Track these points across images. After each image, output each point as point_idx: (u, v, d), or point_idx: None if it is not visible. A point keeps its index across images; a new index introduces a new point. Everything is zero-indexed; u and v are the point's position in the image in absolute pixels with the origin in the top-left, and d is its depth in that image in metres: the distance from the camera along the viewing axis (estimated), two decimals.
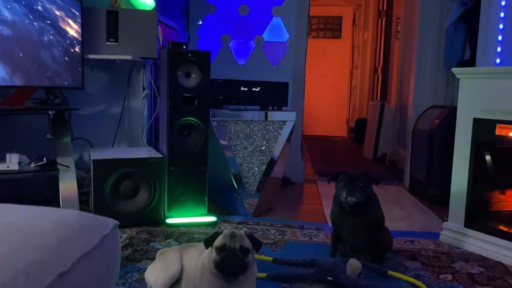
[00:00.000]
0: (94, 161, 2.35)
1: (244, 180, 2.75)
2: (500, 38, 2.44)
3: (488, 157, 2.32)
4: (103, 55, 2.62)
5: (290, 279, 1.80)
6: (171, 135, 2.48)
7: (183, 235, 2.33)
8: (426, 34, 3.78)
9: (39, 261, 0.71)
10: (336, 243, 2.06)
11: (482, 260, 2.13)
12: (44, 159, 2.32)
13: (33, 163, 2.27)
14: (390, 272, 1.88)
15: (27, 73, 2.33)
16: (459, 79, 2.37)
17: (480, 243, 2.24)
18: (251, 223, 2.61)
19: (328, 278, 1.76)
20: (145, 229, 2.39)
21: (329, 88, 8.27)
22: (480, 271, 2.00)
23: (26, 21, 2.31)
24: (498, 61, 2.44)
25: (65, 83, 2.42)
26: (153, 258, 1.78)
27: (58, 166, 2.26)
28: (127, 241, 2.20)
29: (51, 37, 2.36)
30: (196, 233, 2.37)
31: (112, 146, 2.96)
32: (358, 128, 7.05)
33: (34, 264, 0.70)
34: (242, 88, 2.80)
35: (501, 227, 2.24)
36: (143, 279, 1.69)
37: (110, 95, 2.97)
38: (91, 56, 2.59)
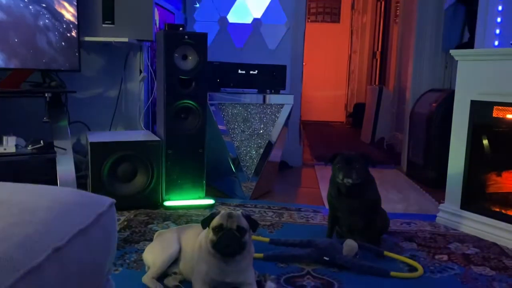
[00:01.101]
0: (92, 143, 2.34)
1: (242, 164, 2.76)
2: (499, 20, 2.42)
3: (485, 140, 2.32)
4: (100, 37, 2.60)
5: (286, 259, 1.82)
6: (168, 118, 2.47)
7: (181, 217, 2.34)
8: (425, 17, 3.75)
9: (34, 236, 0.72)
10: (332, 224, 2.08)
11: (477, 241, 2.15)
12: (41, 142, 2.31)
13: (30, 146, 2.27)
14: (386, 253, 1.90)
15: (23, 55, 2.31)
16: (457, 61, 2.36)
17: (475, 225, 2.25)
18: (249, 205, 2.62)
19: (325, 258, 1.77)
20: (143, 211, 2.40)
21: (328, 73, 8.23)
22: (475, 251, 2.02)
23: (21, 5, 2.28)
24: (496, 43, 2.43)
25: (61, 66, 2.41)
26: (151, 240, 1.79)
27: (56, 149, 2.26)
28: (125, 223, 2.21)
29: (46, 20, 2.34)
30: (194, 216, 2.38)
31: (110, 130, 2.95)
32: (356, 113, 7.04)
33: (29, 238, 0.70)
34: (239, 71, 2.79)
35: (497, 209, 2.25)
36: (142, 260, 1.70)
37: (107, 78, 2.96)
38: (87, 39, 2.57)
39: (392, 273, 1.71)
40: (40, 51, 2.34)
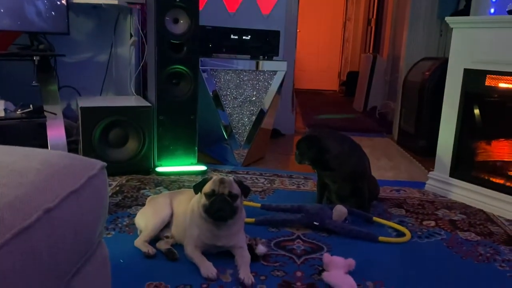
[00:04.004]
0: (82, 108, 2.32)
1: (234, 131, 2.75)
2: None
3: (476, 109, 2.33)
4: None
5: (277, 224, 1.84)
6: (159, 84, 2.44)
7: (173, 183, 2.36)
8: None
9: (25, 197, 0.71)
10: (321, 191, 2.11)
11: (464, 208, 2.20)
12: (31, 106, 2.28)
13: (19, 110, 2.24)
14: (375, 218, 1.93)
15: (9, 16, 2.25)
16: (452, 29, 2.34)
17: (463, 192, 2.29)
18: (241, 172, 2.64)
19: (315, 223, 1.80)
20: (135, 177, 2.41)
21: (322, 40, 8.13)
22: (462, 218, 2.07)
23: None
24: (492, 10, 2.40)
25: (50, 28, 2.35)
26: (143, 204, 1.80)
27: (46, 113, 2.23)
28: (118, 188, 2.22)
29: None
30: (186, 181, 2.39)
31: (100, 95, 2.92)
32: (350, 81, 7.01)
33: (20, 199, 0.70)
34: (232, 36, 2.74)
35: (484, 177, 2.28)
36: (134, 224, 1.72)
37: (96, 42, 2.89)
38: (76, 0, 2.50)
39: (381, 238, 1.75)
40: (27, 12, 2.28)
